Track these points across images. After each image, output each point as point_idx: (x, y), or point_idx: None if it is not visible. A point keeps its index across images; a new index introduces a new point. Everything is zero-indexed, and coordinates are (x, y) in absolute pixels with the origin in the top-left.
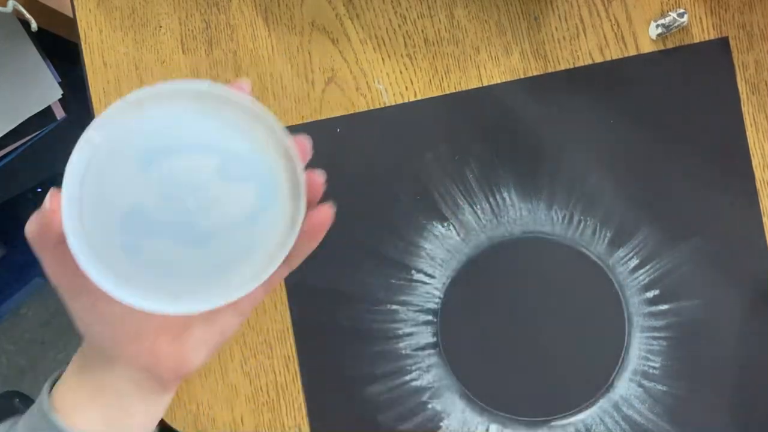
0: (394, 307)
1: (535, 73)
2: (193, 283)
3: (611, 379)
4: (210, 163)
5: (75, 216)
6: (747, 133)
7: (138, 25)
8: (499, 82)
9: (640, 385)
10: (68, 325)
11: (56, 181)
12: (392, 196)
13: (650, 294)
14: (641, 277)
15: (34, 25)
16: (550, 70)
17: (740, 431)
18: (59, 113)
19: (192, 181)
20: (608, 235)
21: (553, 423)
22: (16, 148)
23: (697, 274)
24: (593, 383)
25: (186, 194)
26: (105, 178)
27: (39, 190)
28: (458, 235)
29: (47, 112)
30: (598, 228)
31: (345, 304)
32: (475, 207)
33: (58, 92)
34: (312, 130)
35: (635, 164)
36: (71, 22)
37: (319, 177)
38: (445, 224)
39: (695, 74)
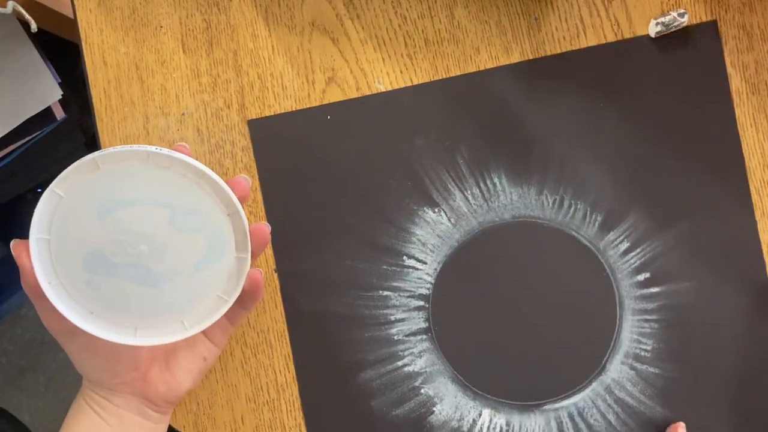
0: (386, 293)
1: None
2: (150, 320)
3: (603, 362)
4: (161, 214)
5: (45, 256)
6: (747, 133)
7: (138, 25)
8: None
9: (632, 368)
10: None
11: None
12: (383, 182)
13: (641, 277)
14: (632, 261)
15: (33, 26)
16: None
17: (732, 413)
18: (59, 113)
19: (145, 229)
20: (599, 219)
21: (545, 406)
22: (16, 149)
23: (688, 258)
24: (585, 366)
25: (140, 240)
26: (68, 224)
27: (39, 190)
28: (449, 220)
29: (47, 112)
30: (588, 212)
31: (336, 290)
32: (465, 192)
33: (58, 92)
34: (303, 117)
35: (626, 148)
36: (71, 22)
37: (265, 227)
38: (436, 210)
39: (685, 57)
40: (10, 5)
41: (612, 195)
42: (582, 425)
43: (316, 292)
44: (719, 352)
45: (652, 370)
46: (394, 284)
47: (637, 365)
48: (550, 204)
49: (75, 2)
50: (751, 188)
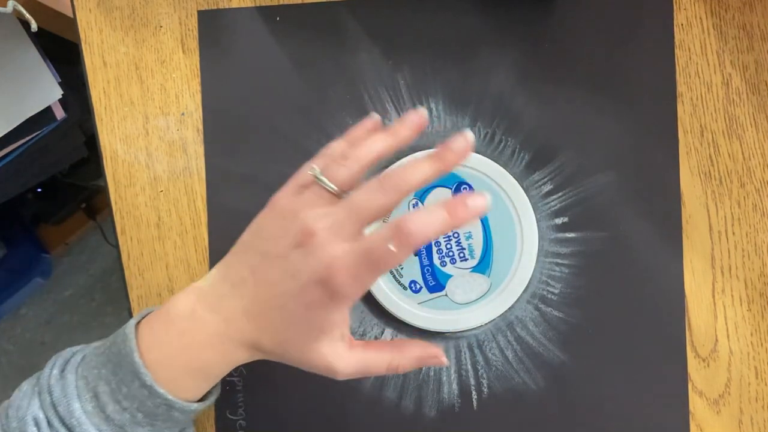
0: None
1: None
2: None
3: None
4: None
5: None
6: (747, 133)
7: (138, 24)
8: None
9: (537, 309)
10: (68, 325)
11: (56, 181)
12: (322, 91)
13: (559, 221)
14: (552, 203)
15: (34, 26)
16: None
17: (626, 366)
18: (59, 113)
19: None
20: (526, 157)
21: (446, 334)
22: (16, 148)
23: (608, 208)
24: None
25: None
26: None
27: (39, 190)
28: None
29: (47, 112)
30: (517, 150)
31: (262, 192)
32: (401, 114)
33: (58, 92)
34: (253, 14)
35: (563, 92)
36: (71, 22)
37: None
38: None
39: (633, 5)
40: (11, 5)
41: (542, 136)
42: (479, 357)
43: (240, 189)
44: (625, 306)
45: (556, 313)
46: None
47: (542, 306)
48: (482, 137)
49: (75, 2)
50: (751, 188)
